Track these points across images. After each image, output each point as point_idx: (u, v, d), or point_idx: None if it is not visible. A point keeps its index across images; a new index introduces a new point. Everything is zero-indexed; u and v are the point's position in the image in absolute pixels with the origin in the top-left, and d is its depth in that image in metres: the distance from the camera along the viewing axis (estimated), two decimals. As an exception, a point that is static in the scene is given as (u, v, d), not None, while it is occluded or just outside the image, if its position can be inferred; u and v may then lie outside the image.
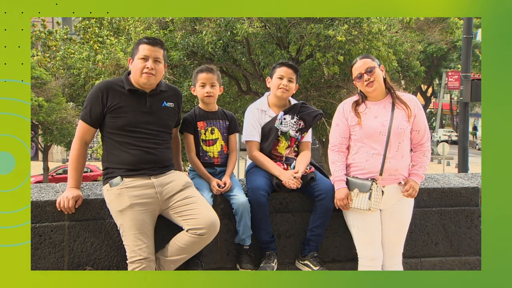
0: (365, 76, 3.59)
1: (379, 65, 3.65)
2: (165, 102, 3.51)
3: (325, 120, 16.82)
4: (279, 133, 3.85)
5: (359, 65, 3.62)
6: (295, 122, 3.89)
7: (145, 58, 3.42)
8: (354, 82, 3.69)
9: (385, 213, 3.64)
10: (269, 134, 3.84)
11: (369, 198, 3.49)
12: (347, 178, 3.61)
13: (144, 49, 3.43)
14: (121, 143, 3.38)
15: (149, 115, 3.43)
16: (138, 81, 3.43)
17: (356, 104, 3.67)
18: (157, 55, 3.44)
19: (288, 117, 3.88)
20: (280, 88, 3.83)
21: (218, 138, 3.79)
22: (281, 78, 3.84)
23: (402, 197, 3.63)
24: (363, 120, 3.59)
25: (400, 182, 3.62)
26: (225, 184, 3.64)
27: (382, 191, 3.54)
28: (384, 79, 3.66)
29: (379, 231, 3.62)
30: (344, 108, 3.69)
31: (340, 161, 3.63)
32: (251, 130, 3.86)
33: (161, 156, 3.44)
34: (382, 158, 3.54)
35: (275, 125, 3.84)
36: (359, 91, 3.70)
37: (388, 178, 3.58)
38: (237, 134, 3.93)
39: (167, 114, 3.52)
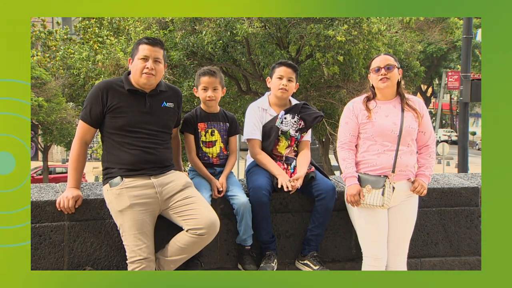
0: (382, 71, 3.61)
1: (398, 68, 3.67)
2: (164, 102, 3.51)
3: (325, 120, 16.82)
4: (279, 132, 3.85)
5: (380, 59, 3.65)
6: (295, 121, 3.89)
7: (145, 59, 3.41)
8: (369, 75, 3.71)
9: (392, 210, 3.63)
10: (270, 133, 3.84)
11: (383, 194, 3.49)
12: (358, 175, 3.61)
13: (144, 49, 3.43)
14: (121, 143, 3.38)
15: (149, 115, 3.43)
16: (138, 81, 3.43)
17: (367, 99, 3.69)
18: (157, 55, 3.44)
19: (288, 116, 3.88)
20: (280, 89, 3.83)
21: (217, 140, 3.79)
22: (280, 78, 3.85)
23: (410, 194, 3.64)
24: (375, 118, 3.60)
25: (409, 178, 3.63)
26: (223, 187, 3.65)
27: (393, 187, 3.55)
28: (398, 82, 3.69)
29: (385, 230, 3.61)
30: (354, 106, 3.70)
31: (350, 158, 3.63)
32: (253, 129, 3.86)
33: (161, 156, 3.44)
34: (395, 154, 3.55)
35: (276, 124, 3.84)
36: (370, 85, 3.71)
37: (398, 175, 3.58)
38: (237, 136, 3.93)
39: (166, 114, 3.51)
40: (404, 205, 3.65)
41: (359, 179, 3.59)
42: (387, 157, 3.56)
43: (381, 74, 3.61)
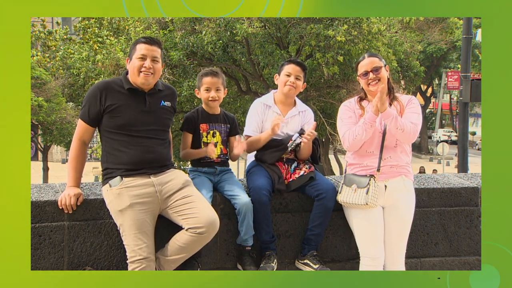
0: (371, 75, 3.61)
1: (385, 65, 3.67)
2: (163, 101, 3.52)
3: (325, 120, 16.84)
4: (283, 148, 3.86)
5: (366, 63, 3.64)
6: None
7: (143, 58, 3.42)
8: (357, 77, 3.71)
9: (387, 210, 3.63)
10: (271, 146, 3.83)
11: (366, 193, 3.50)
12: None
13: (141, 48, 3.44)
14: (120, 142, 3.38)
15: (148, 114, 3.44)
16: (136, 80, 3.44)
17: (360, 99, 3.72)
18: (154, 54, 3.45)
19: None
20: (287, 85, 3.84)
21: (218, 142, 3.79)
22: (288, 75, 3.86)
23: (405, 193, 3.64)
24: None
25: (405, 175, 3.63)
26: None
27: (385, 185, 3.55)
28: (388, 80, 3.68)
29: (381, 229, 3.62)
30: (349, 105, 3.72)
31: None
32: (255, 127, 3.88)
33: (160, 155, 3.44)
34: (379, 155, 3.57)
35: (288, 145, 3.83)
36: (361, 87, 3.72)
37: (390, 171, 3.59)
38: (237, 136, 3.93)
39: (165, 113, 3.53)
40: (399, 205, 3.63)
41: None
42: (374, 157, 3.58)
43: (370, 79, 3.61)
